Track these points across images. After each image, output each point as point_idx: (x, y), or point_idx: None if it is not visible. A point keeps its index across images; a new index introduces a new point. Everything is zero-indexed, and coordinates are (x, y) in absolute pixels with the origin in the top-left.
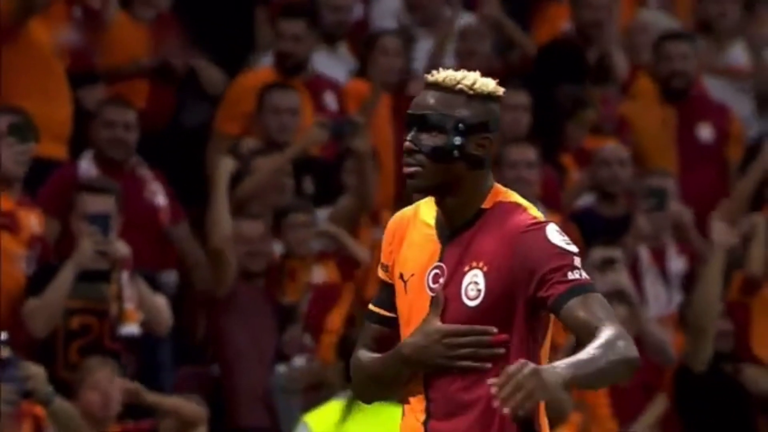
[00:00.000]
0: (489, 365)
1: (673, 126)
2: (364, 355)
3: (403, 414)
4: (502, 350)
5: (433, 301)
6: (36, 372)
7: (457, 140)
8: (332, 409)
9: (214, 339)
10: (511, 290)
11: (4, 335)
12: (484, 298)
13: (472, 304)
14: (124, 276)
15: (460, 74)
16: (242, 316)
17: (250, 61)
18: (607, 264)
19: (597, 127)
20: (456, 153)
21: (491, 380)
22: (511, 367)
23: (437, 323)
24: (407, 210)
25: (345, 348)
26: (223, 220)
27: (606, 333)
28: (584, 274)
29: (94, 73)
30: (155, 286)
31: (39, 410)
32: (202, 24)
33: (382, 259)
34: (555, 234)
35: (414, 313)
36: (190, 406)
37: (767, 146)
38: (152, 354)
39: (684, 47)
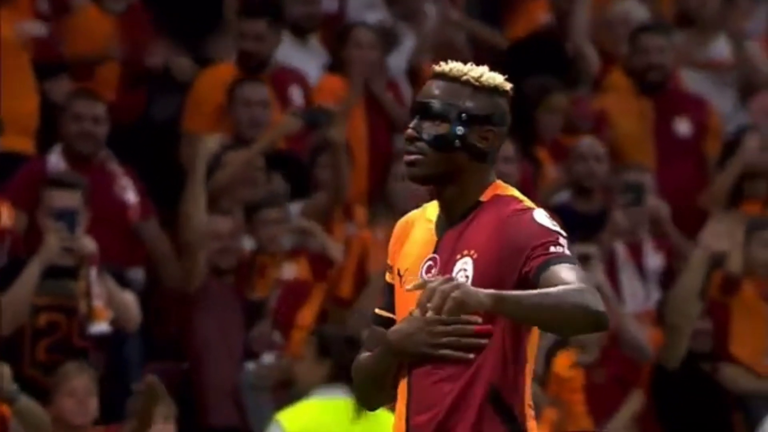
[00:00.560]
0: (471, 356)
1: (650, 120)
2: (363, 356)
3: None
4: (485, 341)
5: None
6: (0, 370)
7: (460, 130)
8: (306, 407)
9: (183, 335)
10: (499, 275)
11: None
12: (472, 284)
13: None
14: (92, 273)
15: (468, 66)
16: (211, 313)
17: (215, 52)
18: (583, 261)
19: (573, 125)
20: (458, 143)
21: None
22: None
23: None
24: (415, 211)
25: (323, 346)
26: (198, 210)
27: (571, 284)
28: (567, 251)
29: (61, 65)
30: (123, 282)
31: (4, 409)
32: (173, 15)
33: (388, 261)
34: (542, 216)
35: (408, 305)
36: None
37: (746, 141)
38: (120, 351)
39: (660, 40)
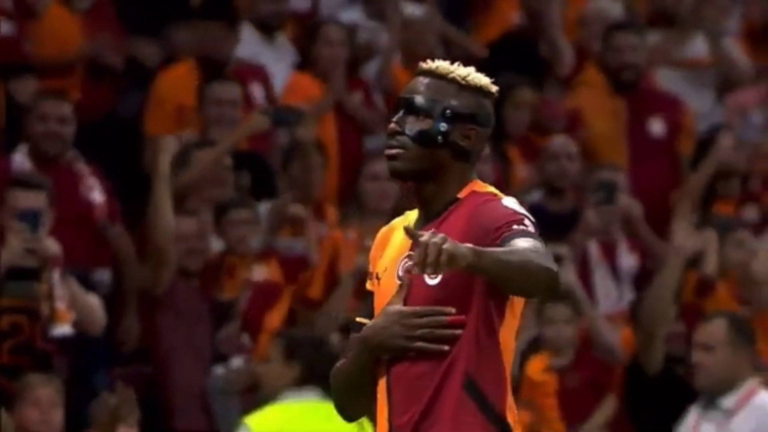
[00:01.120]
0: (447, 347)
1: (623, 119)
2: (340, 362)
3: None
4: (459, 331)
5: (399, 285)
6: None
7: (443, 126)
8: (275, 411)
9: (149, 338)
10: None
11: None
12: (444, 275)
13: (432, 282)
14: (55, 275)
15: (455, 65)
16: (178, 315)
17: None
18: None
19: (545, 126)
20: (440, 139)
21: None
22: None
23: (398, 305)
24: (397, 219)
25: (291, 349)
26: (166, 212)
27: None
28: (531, 230)
29: (26, 64)
30: (89, 284)
31: None
32: (140, 11)
33: (370, 269)
34: (510, 202)
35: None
36: None
37: (720, 140)
38: (85, 354)
39: (633, 39)
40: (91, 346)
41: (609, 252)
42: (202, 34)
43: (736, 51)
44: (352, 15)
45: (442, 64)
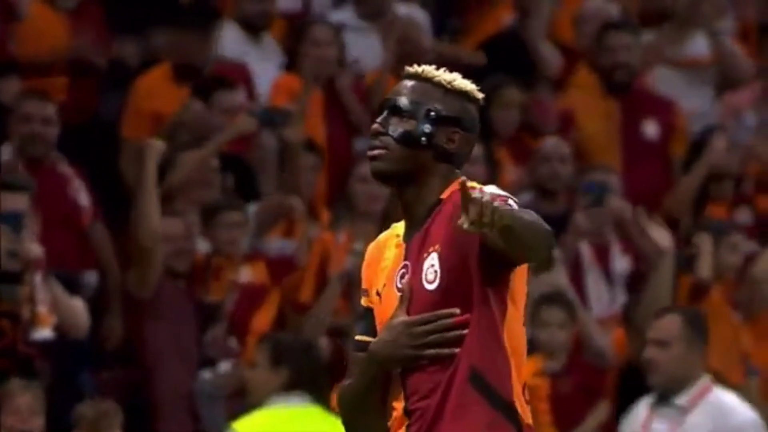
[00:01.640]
0: (456, 350)
1: (616, 121)
2: (346, 383)
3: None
4: (466, 331)
5: (400, 297)
6: None
7: (427, 128)
8: (262, 416)
9: (134, 341)
10: (463, 257)
11: None
12: (441, 276)
13: (431, 287)
14: (37, 277)
15: (441, 70)
16: (164, 317)
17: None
18: (545, 264)
19: (536, 128)
20: (424, 140)
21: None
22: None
23: (402, 316)
24: (384, 233)
25: (277, 353)
26: (152, 214)
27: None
28: (518, 208)
29: (10, 64)
30: (78, 286)
31: None
32: (127, 11)
33: (363, 285)
34: (491, 188)
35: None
36: None
37: (713, 142)
38: (69, 357)
39: (627, 38)
40: (74, 349)
41: (602, 255)
42: (178, 39)
43: (737, 48)
44: (343, 15)
45: (427, 68)
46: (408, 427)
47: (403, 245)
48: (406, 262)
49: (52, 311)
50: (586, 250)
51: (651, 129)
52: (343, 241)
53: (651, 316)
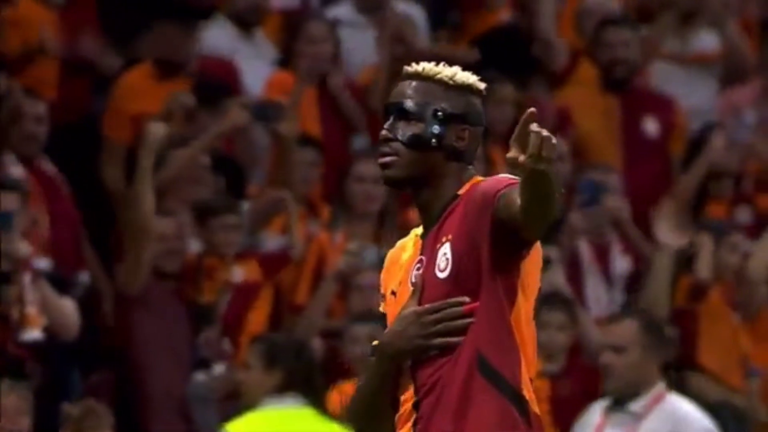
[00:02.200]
0: (466, 338)
1: (615, 118)
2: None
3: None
4: (472, 319)
5: (413, 289)
6: None
7: (436, 129)
8: (256, 418)
9: (124, 342)
10: (475, 245)
11: None
12: (453, 263)
13: (443, 275)
14: (26, 278)
15: (441, 66)
16: (155, 317)
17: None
18: (543, 264)
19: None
20: (434, 142)
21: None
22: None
23: (413, 307)
24: (405, 238)
25: (271, 355)
26: (147, 196)
27: None
28: None
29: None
30: (69, 286)
31: None
32: (113, 7)
33: (381, 290)
34: (505, 175)
35: None
36: None
37: (712, 140)
38: (59, 358)
39: (625, 34)
40: (65, 350)
41: (602, 255)
42: (159, 36)
43: (745, 42)
44: (341, 10)
45: (428, 66)
46: (416, 420)
47: (420, 242)
48: (422, 257)
49: (42, 312)
50: (585, 250)
51: (650, 126)
52: (339, 241)
53: None
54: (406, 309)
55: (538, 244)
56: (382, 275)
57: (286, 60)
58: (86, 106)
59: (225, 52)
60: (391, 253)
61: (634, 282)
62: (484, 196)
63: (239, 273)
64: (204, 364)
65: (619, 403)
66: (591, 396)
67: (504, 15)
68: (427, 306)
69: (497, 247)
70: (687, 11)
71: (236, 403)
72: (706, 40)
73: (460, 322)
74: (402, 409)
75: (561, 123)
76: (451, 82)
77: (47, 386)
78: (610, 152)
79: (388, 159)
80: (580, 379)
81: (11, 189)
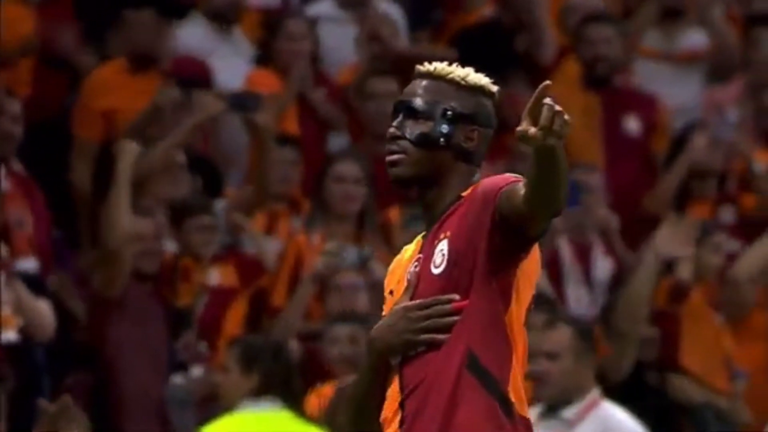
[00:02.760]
0: (454, 335)
1: (597, 116)
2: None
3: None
4: (466, 317)
5: (407, 285)
6: None
7: (445, 128)
8: (232, 421)
9: (100, 344)
10: (472, 243)
11: None
12: (448, 260)
13: (437, 271)
14: (1, 278)
15: (453, 66)
16: (132, 320)
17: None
18: None
19: (510, 124)
20: (442, 141)
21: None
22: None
23: (404, 303)
24: (409, 244)
25: (248, 358)
26: (122, 217)
27: None
28: None
29: None
30: (45, 287)
31: None
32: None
33: (386, 294)
34: (506, 173)
35: None
36: None
37: (694, 138)
38: (32, 359)
39: (607, 31)
40: (40, 351)
41: (583, 256)
42: (133, 27)
43: (733, 37)
44: (322, 6)
45: (439, 66)
46: (402, 419)
47: (421, 241)
48: (420, 255)
49: (17, 313)
50: (566, 250)
51: (632, 125)
52: (317, 242)
53: (628, 314)
54: (398, 304)
55: (537, 255)
56: (386, 278)
57: (263, 57)
58: (62, 103)
59: (201, 50)
60: (396, 259)
61: (617, 284)
62: (485, 193)
63: (215, 276)
64: (181, 366)
65: (552, 410)
66: None
67: (486, 12)
68: (416, 301)
69: (496, 246)
70: (673, 8)
71: (214, 406)
72: (694, 38)
73: (447, 319)
74: (387, 410)
75: None
76: (462, 82)
77: (22, 388)
78: (592, 151)
79: (395, 157)
80: None
81: None
